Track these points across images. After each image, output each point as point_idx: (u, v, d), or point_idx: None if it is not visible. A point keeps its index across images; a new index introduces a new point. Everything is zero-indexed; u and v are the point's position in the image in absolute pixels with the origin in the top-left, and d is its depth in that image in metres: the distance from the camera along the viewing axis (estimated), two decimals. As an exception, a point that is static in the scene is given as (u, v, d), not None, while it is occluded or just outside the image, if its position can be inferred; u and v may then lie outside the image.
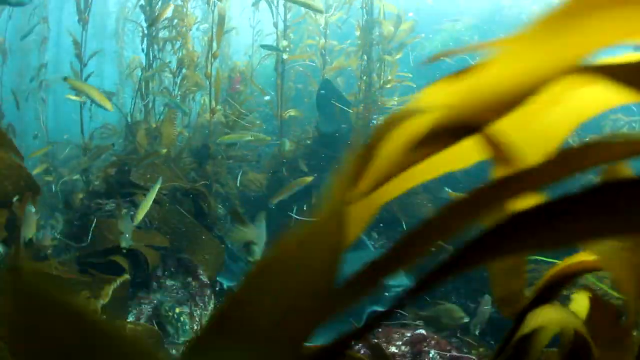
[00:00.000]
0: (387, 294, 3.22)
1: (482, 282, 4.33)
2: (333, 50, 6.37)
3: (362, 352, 2.51)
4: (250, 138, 4.19)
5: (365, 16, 4.71)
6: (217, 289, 3.56)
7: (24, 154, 3.09)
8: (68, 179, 4.88)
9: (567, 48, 0.36)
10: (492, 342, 3.20)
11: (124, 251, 3.02)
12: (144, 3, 4.39)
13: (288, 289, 0.37)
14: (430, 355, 2.99)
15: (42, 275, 0.36)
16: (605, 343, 0.62)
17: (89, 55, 4.39)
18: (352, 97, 4.99)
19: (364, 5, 4.65)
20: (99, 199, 3.54)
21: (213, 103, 4.50)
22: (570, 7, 0.35)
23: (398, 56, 4.87)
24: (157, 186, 3.07)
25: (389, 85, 4.78)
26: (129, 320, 3.02)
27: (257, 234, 2.65)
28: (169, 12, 4.44)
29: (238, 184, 4.74)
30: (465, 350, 3.10)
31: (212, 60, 4.19)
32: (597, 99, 0.53)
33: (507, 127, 0.44)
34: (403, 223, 4.46)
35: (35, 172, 4.54)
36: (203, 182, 4.16)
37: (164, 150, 4.10)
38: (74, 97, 4.06)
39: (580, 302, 0.69)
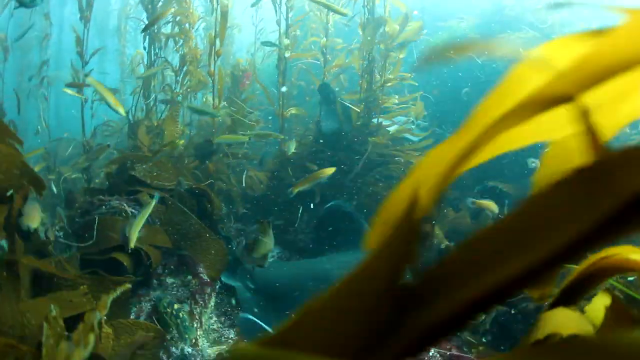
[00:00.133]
0: None
1: None
2: (335, 48, 6.36)
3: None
4: (246, 139, 4.19)
5: (367, 14, 4.70)
6: (217, 287, 3.56)
7: (25, 152, 3.09)
8: (68, 176, 4.87)
9: None
10: (493, 342, 3.20)
11: (128, 250, 3.03)
12: (146, 0, 4.39)
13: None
14: (430, 354, 2.99)
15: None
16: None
17: (90, 53, 4.39)
18: (356, 96, 4.98)
19: (366, 4, 4.63)
20: (101, 196, 3.52)
21: (216, 101, 4.49)
22: None
23: (402, 55, 4.85)
24: (151, 206, 3.04)
25: (389, 84, 4.76)
26: (129, 318, 3.03)
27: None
28: (171, 10, 4.43)
29: (243, 184, 4.74)
30: (465, 349, 3.10)
31: (216, 58, 4.18)
32: None
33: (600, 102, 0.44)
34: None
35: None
36: (209, 181, 4.16)
37: (182, 142, 4.08)
38: (70, 92, 4.06)
39: (599, 305, 0.67)
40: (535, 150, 5.89)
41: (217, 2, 4.21)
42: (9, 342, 1.77)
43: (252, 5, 6.32)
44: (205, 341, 3.18)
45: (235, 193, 4.69)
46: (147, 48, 4.51)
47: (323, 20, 5.21)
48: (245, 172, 4.81)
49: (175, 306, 3.06)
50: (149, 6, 4.36)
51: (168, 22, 4.63)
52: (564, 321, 0.61)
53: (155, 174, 3.74)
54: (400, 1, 4.84)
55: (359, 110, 4.66)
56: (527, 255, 0.38)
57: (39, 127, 5.94)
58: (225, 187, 4.59)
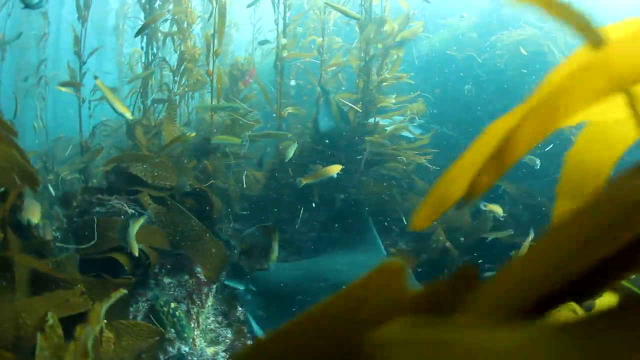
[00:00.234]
0: None
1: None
2: (331, 47, 6.35)
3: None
4: (238, 141, 4.18)
5: (365, 13, 4.69)
6: (215, 288, 3.56)
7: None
8: (64, 176, 4.86)
9: None
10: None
11: (126, 251, 3.03)
12: (144, 1, 4.37)
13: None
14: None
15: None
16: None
17: (88, 53, 4.38)
18: (354, 96, 4.97)
19: (363, 3, 4.62)
20: (100, 195, 3.48)
21: (215, 101, 4.49)
22: None
23: (400, 54, 4.84)
24: (140, 222, 3.03)
25: (385, 84, 4.75)
26: (129, 319, 3.03)
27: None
28: (169, 7, 4.43)
29: (244, 185, 4.74)
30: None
31: (214, 57, 4.17)
32: None
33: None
34: (440, 231, 4.47)
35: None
36: (210, 181, 4.15)
37: (193, 134, 4.05)
38: (64, 89, 4.06)
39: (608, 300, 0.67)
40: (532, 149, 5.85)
41: (216, 1, 4.21)
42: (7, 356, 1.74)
43: (248, 6, 6.32)
44: (203, 341, 3.18)
45: (234, 193, 4.69)
46: (144, 48, 4.50)
47: (321, 19, 5.20)
48: (244, 173, 4.81)
49: (172, 305, 3.06)
50: (147, 6, 4.35)
51: (166, 20, 4.62)
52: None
53: (156, 173, 3.71)
54: (400, 1, 4.83)
55: (360, 110, 4.65)
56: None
57: (35, 124, 5.90)
58: (224, 186, 4.58)
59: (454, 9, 7.86)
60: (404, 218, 4.72)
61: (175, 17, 4.51)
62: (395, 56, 4.82)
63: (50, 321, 1.49)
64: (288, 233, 4.69)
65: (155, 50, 4.51)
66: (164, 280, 3.37)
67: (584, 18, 0.48)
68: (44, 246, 2.99)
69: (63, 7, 13.51)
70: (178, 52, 4.57)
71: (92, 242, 3.10)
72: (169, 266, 3.43)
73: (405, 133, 5.08)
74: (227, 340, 3.24)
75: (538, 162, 4.81)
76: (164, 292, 3.28)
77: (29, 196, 2.79)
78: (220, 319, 3.40)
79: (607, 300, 0.70)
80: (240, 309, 3.50)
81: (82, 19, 4.33)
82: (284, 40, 4.83)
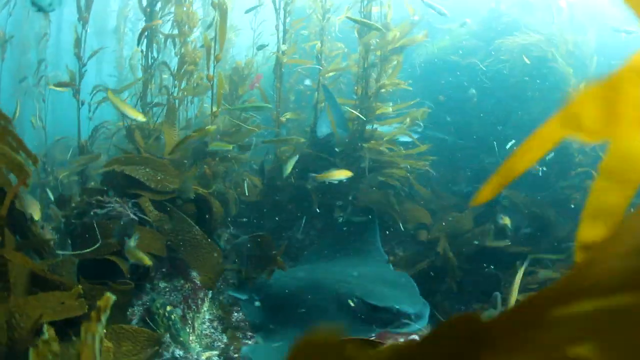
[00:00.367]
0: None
1: (489, 282, 4.34)
2: (332, 53, 6.36)
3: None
4: (230, 147, 4.21)
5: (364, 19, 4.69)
6: (210, 293, 3.55)
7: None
8: (63, 178, 4.85)
9: None
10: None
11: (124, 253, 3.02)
12: (145, 4, 4.38)
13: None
14: None
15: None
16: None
17: (88, 55, 4.38)
18: (352, 102, 4.98)
19: (362, 9, 4.64)
20: (99, 196, 3.44)
21: (215, 106, 4.48)
22: None
23: (399, 59, 4.84)
24: (134, 241, 3.04)
25: (383, 90, 4.76)
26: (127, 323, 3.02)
27: None
28: (170, 10, 4.44)
29: (246, 193, 4.74)
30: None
31: (215, 62, 4.17)
32: None
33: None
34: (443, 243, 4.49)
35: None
36: (212, 188, 4.14)
37: (213, 127, 4.04)
38: (57, 88, 4.06)
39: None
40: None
41: (217, 7, 4.21)
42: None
43: (247, 12, 6.34)
44: (198, 346, 3.18)
45: (232, 198, 4.68)
46: (145, 51, 4.50)
47: (322, 25, 5.21)
48: (245, 180, 4.81)
49: (168, 308, 3.06)
50: (147, 9, 4.36)
51: (168, 20, 4.62)
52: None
53: (159, 177, 3.67)
54: (406, 5, 4.84)
55: (363, 118, 4.66)
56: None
57: (32, 119, 5.86)
58: (223, 191, 4.57)
59: (453, 15, 7.87)
60: (401, 225, 4.72)
61: (176, 21, 4.51)
62: (395, 62, 4.83)
63: (46, 335, 1.43)
64: (286, 239, 4.69)
65: (155, 53, 4.51)
66: (160, 284, 3.36)
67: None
68: (43, 245, 2.98)
69: (64, 7, 13.51)
70: (179, 56, 4.56)
71: (95, 247, 3.08)
72: (164, 270, 3.43)
73: (403, 138, 5.07)
74: (222, 345, 3.24)
75: (540, 169, 4.84)
76: (159, 296, 3.27)
77: (29, 195, 2.79)
78: (215, 324, 3.39)
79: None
80: (235, 314, 3.50)
81: (83, 20, 4.33)
82: (284, 46, 4.84)
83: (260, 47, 6.54)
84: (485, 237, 4.58)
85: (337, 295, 3.39)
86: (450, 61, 7.04)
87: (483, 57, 6.73)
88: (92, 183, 4.22)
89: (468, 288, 4.45)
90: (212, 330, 3.33)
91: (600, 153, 5.58)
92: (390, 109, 4.79)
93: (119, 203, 3.31)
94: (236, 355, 3.13)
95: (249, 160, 5.25)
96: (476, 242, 4.54)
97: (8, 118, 2.70)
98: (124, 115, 3.84)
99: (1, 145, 2.67)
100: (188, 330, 3.14)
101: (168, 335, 2.98)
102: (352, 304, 3.27)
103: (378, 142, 4.76)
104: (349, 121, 4.82)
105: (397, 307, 3.20)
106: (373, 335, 3.08)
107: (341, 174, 4.14)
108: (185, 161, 4.23)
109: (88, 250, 3.07)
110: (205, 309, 3.43)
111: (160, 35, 4.59)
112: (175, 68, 4.57)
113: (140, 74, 4.78)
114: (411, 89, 5.19)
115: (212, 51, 4.14)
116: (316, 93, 5.03)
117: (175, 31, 4.57)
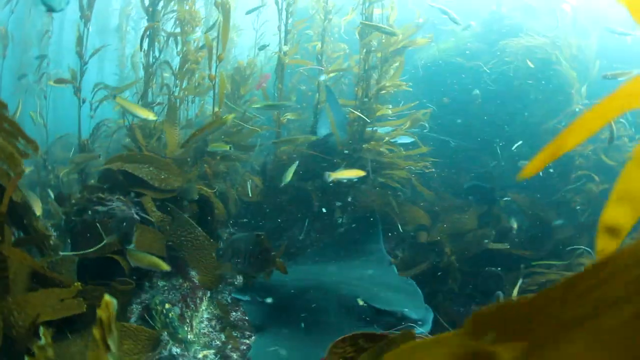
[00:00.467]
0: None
1: (490, 282, 4.34)
2: (333, 54, 6.36)
3: None
4: (227, 148, 4.21)
5: (365, 20, 4.69)
6: (208, 292, 3.55)
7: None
8: (63, 176, 4.85)
9: None
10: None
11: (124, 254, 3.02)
12: (147, 3, 4.38)
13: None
14: None
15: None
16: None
17: (90, 53, 4.38)
18: (352, 102, 4.98)
19: (364, 11, 4.63)
20: (100, 194, 3.42)
21: (217, 106, 4.48)
22: None
23: (400, 60, 4.83)
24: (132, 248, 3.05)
25: (383, 92, 4.75)
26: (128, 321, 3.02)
27: None
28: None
29: (249, 193, 4.74)
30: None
31: (218, 62, 4.17)
32: None
33: None
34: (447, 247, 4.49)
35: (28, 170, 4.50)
36: (215, 189, 4.13)
37: (232, 115, 4.03)
38: (57, 85, 4.06)
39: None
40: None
41: (220, 7, 4.21)
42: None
43: (247, 13, 6.35)
44: (196, 344, 3.17)
45: (233, 198, 4.68)
46: (146, 49, 4.50)
47: (324, 25, 5.21)
48: (249, 181, 4.81)
49: (167, 305, 3.06)
50: (150, 9, 4.36)
51: (170, 19, 4.62)
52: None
53: (163, 177, 3.66)
54: (411, 6, 4.85)
55: (366, 119, 4.65)
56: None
57: (31, 113, 5.84)
58: (223, 191, 4.57)
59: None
60: (400, 227, 4.71)
61: (178, 19, 4.51)
62: (397, 64, 4.82)
63: (42, 341, 1.38)
64: (286, 239, 4.68)
65: (157, 53, 4.51)
66: (159, 283, 3.36)
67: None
68: (44, 241, 2.97)
69: (67, 4, 13.50)
70: (180, 56, 4.56)
71: (98, 246, 3.07)
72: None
73: (403, 139, 5.06)
74: (220, 344, 3.23)
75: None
76: (158, 294, 3.27)
77: (30, 192, 2.78)
78: (213, 323, 3.39)
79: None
80: (234, 313, 3.49)
81: (85, 18, 4.33)
82: (285, 47, 4.84)
83: (262, 48, 6.55)
84: (487, 239, 4.59)
85: (340, 298, 3.38)
86: (454, 63, 7.03)
87: (487, 60, 6.72)
88: (92, 181, 4.21)
89: (468, 289, 4.45)
90: (210, 329, 3.32)
91: (600, 156, 5.57)
92: (390, 111, 4.79)
93: (122, 201, 3.29)
94: (234, 354, 3.12)
95: (250, 160, 5.25)
96: (478, 245, 4.54)
97: (3, 103, 2.65)
98: (134, 116, 3.85)
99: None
100: (186, 328, 3.14)
101: (166, 333, 2.98)
102: (361, 304, 3.28)
103: (378, 143, 4.75)
104: (350, 122, 4.82)
105: (402, 311, 3.20)
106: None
107: (354, 173, 4.19)
108: (189, 159, 4.23)
109: (91, 250, 3.07)
110: (204, 307, 3.43)
111: (163, 34, 4.59)
112: (177, 67, 4.57)
113: (141, 73, 4.77)
114: (412, 90, 5.18)
115: (215, 51, 4.14)
116: (317, 94, 5.03)
117: (178, 30, 4.57)
